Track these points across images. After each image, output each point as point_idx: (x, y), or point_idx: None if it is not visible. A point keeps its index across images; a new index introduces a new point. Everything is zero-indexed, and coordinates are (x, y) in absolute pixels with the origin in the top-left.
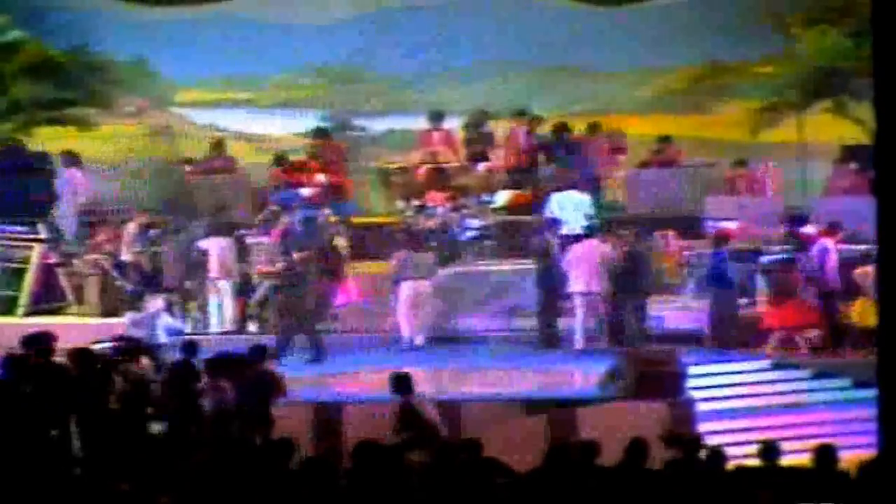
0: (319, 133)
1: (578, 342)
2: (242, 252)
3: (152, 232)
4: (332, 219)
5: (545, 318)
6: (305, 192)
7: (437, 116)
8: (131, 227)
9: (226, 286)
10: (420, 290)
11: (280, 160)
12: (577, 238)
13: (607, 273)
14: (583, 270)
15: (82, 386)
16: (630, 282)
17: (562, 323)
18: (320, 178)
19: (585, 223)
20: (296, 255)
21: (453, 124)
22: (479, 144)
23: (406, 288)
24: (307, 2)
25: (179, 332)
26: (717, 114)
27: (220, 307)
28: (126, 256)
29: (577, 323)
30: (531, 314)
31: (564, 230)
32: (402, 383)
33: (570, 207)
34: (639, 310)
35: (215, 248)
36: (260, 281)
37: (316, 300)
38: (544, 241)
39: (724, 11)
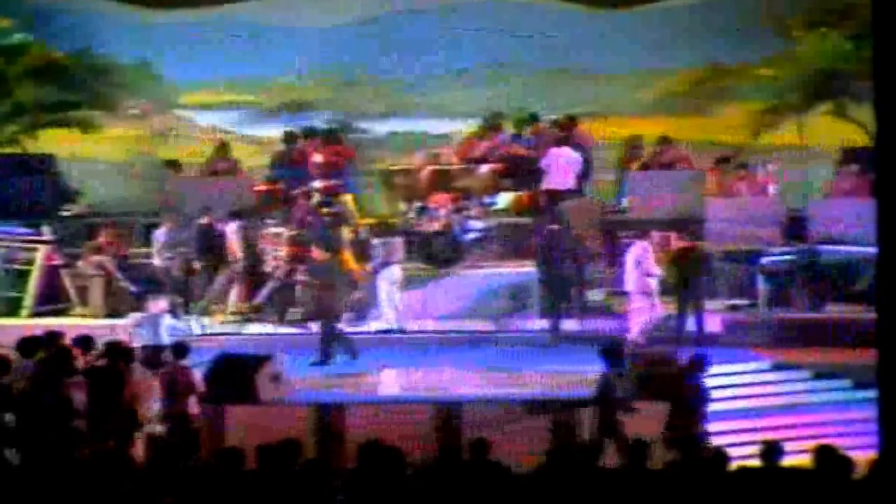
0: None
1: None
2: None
3: (176, 234)
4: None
5: (549, 318)
6: (318, 184)
7: (494, 120)
8: (161, 233)
9: (237, 268)
10: (396, 275)
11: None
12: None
13: (645, 273)
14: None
15: None
16: (694, 283)
17: (565, 324)
18: (317, 158)
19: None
20: (316, 252)
21: (457, 127)
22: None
23: (386, 273)
24: (310, 4)
25: (185, 333)
26: (718, 116)
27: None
28: (158, 261)
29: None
30: (534, 315)
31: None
32: None
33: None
34: (699, 312)
35: (231, 230)
36: (271, 273)
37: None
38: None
39: (725, 14)
